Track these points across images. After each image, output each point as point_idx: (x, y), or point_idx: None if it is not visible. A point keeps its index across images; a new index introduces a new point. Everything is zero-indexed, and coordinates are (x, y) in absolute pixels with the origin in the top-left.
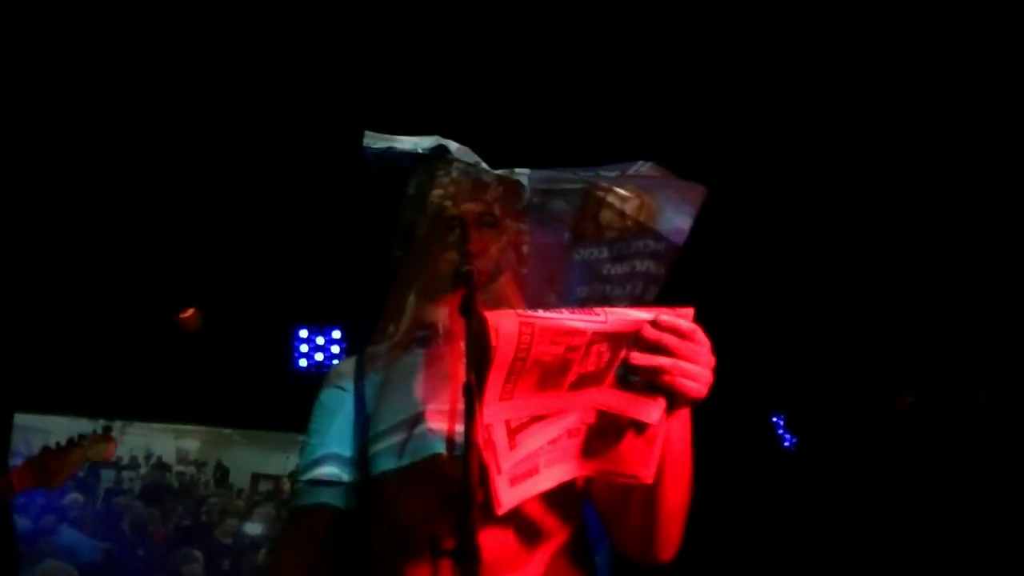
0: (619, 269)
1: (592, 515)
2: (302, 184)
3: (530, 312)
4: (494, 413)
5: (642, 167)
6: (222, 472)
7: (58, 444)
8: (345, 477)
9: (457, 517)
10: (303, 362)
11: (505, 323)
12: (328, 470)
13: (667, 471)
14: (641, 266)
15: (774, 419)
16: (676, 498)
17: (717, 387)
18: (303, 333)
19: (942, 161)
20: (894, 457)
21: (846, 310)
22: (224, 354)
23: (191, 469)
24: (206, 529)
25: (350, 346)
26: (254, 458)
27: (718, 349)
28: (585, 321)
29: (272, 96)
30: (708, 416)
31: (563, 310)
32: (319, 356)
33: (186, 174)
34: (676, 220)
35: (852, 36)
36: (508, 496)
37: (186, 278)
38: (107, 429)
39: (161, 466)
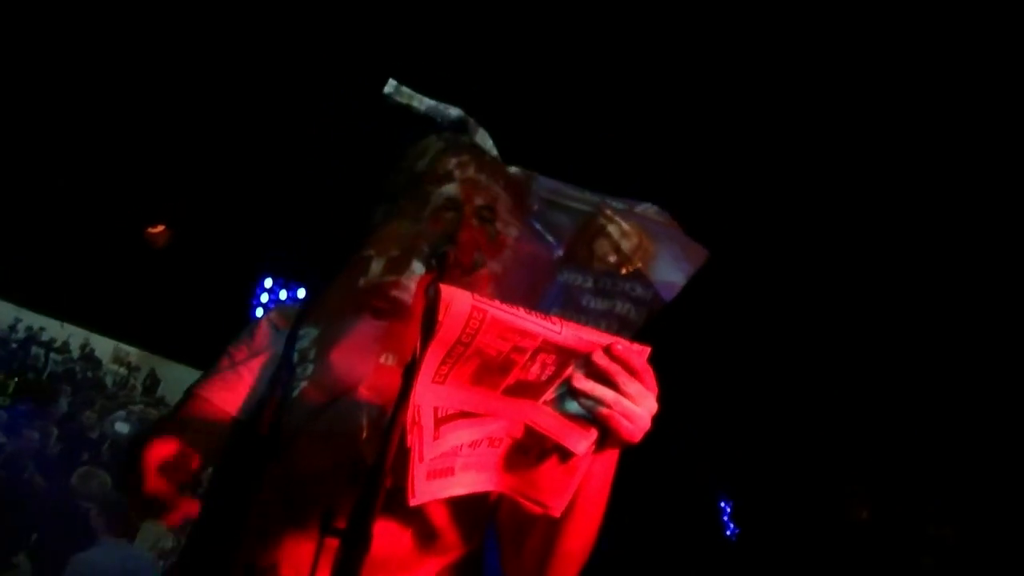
0: (598, 304)
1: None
2: (317, 136)
3: (486, 299)
4: (425, 394)
5: (650, 209)
6: (153, 382)
7: None
8: (237, 412)
9: (359, 498)
10: (259, 312)
11: (458, 301)
12: (227, 397)
13: (577, 511)
14: (621, 307)
15: (723, 504)
16: (578, 541)
17: (675, 455)
18: (268, 283)
19: (921, 261)
20: (835, 568)
21: (825, 412)
22: (184, 282)
23: (123, 371)
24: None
25: None
26: (190, 378)
27: (690, 418)
28: (538, 325)
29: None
30: (659, 484)
31: (520, 308)
32: None
33: (203, 95)
34: (670, 274)
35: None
36: (423, 488)
37: (170, 196)
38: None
39: (90, 359)
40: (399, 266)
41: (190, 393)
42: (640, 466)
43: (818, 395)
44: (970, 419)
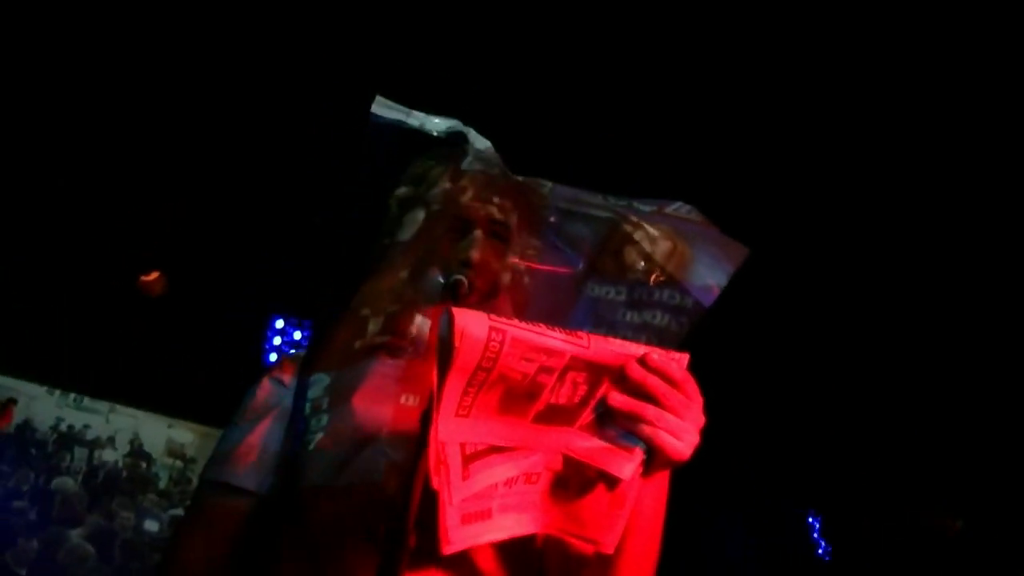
0: (633, 317)
1: None
2: (313, 158)
3: (504, 318)
4: (449, 430)
5: (681, 208)
6: None
7: None
8: (258, 487)
9: (380, 562)
10: (274, 357)
11: (473, 324)
12: (242, 474)
13: (631, 543)
14: (658, 320)
15: (811, 520)
16: None
17: (754, 473)
18: (279, 324)
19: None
20: None
21: (912, 419)
22: (185, 331)
23: (179, 464)
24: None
25: None
26: None
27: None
28: (564, 341)
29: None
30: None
31: (541, 325)
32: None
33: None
34: (708, 277)
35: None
36: (457, 534)
37: (160, 238)
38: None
39: (140, 454)
40: (411, 299)
41: (206, 483)
42: (721, 486)
43: (904, 402)
44: None
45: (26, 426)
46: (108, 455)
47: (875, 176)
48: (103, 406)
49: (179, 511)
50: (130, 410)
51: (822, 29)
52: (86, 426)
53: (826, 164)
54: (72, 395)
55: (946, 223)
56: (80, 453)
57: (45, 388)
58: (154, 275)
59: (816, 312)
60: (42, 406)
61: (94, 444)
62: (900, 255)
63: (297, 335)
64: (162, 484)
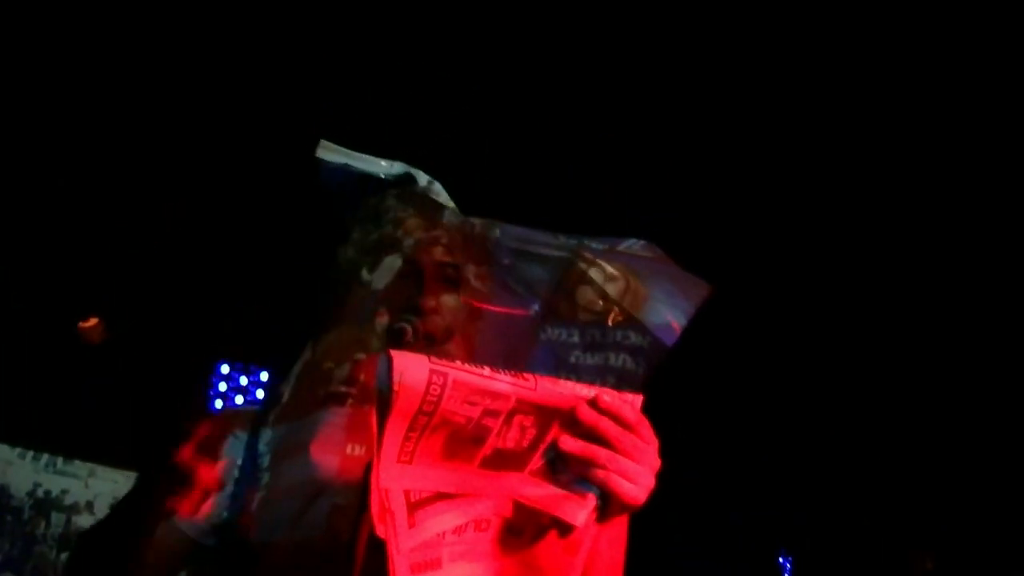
0: (592, 359)
1: None
2: (260, 203)
3: (445, 361)
4: (391, 476)
5: (635, 245)
6: None
7: None
8: (200, 536)
9: None
10: (219, 403)
11: (412, 367)
12: (184, 507)
13: None
14: (615, 360)
15: (782, 561)
16: None
17: (724, 514)
18: (225, 369)
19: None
20: None
21: (885, 460)
22: (127, 379)
23: None
24: None
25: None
26: None
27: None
28: (510, 384)
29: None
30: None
31: (486, 367)
32: (239, 400)
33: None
34: (666, 314)
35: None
36: None
37: (99, 283)
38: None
39: None
40: (359, 346)
41: (145, 499)
42: (693, 524)
43: (874, 440)
44: None
45: (2, 492)
46: (85, 520)
47: (831, 229)
48: (83, 470)
49: None
50: (111, 473)
51: (783, 63)
52: (64, 491)
53: (787, 201)
54: (45, 457)
55: (909, 268)
56: (57, 519)
57: (17, 451)
58: (92, 322)
59: (781, 350)
60: (18, 471)
61: (72, 510)
62: (864, 296)
63: (243, 380)
64: None
